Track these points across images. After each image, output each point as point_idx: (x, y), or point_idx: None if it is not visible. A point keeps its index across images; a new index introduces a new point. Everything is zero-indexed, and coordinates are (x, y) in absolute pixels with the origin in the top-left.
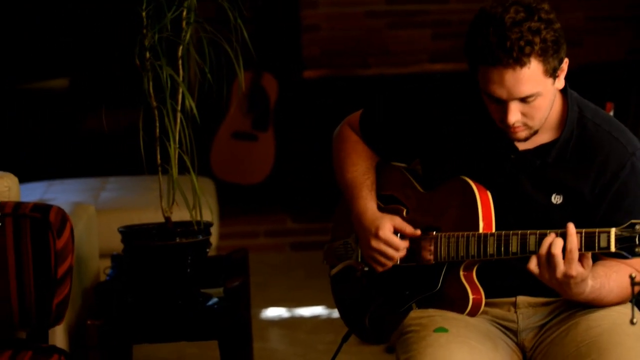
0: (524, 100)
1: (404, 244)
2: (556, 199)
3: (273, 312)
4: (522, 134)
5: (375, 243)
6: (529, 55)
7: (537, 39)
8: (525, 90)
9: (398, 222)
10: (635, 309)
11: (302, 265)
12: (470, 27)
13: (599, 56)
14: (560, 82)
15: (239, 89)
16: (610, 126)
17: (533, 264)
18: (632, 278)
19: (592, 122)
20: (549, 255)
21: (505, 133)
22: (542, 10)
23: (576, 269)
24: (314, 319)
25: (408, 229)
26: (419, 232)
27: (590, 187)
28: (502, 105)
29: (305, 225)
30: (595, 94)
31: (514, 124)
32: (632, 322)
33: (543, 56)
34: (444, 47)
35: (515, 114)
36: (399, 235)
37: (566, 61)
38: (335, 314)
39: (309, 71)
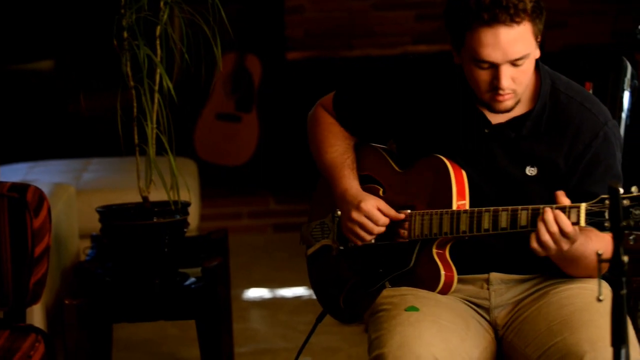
0: (514, 63)
1: (384, 220)
2: (531, 171)
3: (255, 293)
4: (509, 102)
5: (356, 214)
6: (524, 12)
7: None
8: (519, 50)
9: (382, 204)
10: (604, 285)
11: (284, 246)
12: None
13: (583, 38)
14: (538, 51)
15: (218, 70)
16: (582, 98)
17: (535, 244)
18: (598, 255)
19: (564, 94)
20: (562, 232)
21: (477, 108)
22: None
23: (567, 244)
24: (296, 299)
25: (392, 212)
26: (402, 215)
27: (564, 158)
28: (494, 71)
29: (288, 206)
30: (576, 74)
31: (505, 90)
32: (598, 299)
33: (533, 16)
34: (427, 28)
35: (507, 77)
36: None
37: (541, 30)
38: None
39: (292, 52)
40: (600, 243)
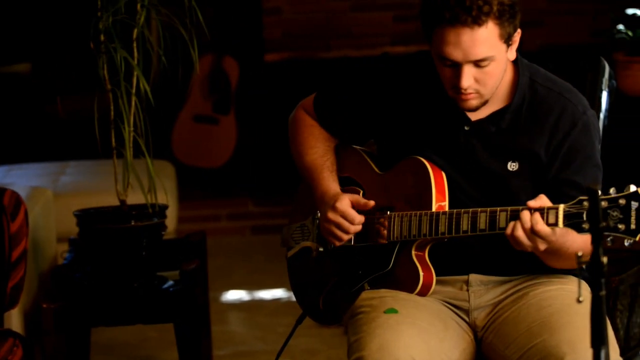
0: (477, 64)
1: (359, 218)
2: (512, 166)
3: (233, 295)
4: (473, 102)
5: (332, 215)
6: (487, 15)
7: (495, 1)
8: (480, 52)
9: (355, 197)
10: (583, 286)
11: (263, 248)
12: None
13: (561, 37)
14: (512, 53)
15: (195, 72)
16: (561, 88)
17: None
18: (578, 257)
19: (543, 85)
20: (534, 230)
21: (457, 105)
22: None
23: (543, 244)
24: (274, 301)
25: (362, 200)
26: (372, 202)
27: (545, 149)
28: (456, 69)
29: (267, 208)
30: (554, 74)
31: (466, 90)
32: (578, 301)
33: (500, 19)
34: (406, 29)
35: (468, 77)
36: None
37: (519, 32)
38: None
39: (270, 54)
40: (581, 236)
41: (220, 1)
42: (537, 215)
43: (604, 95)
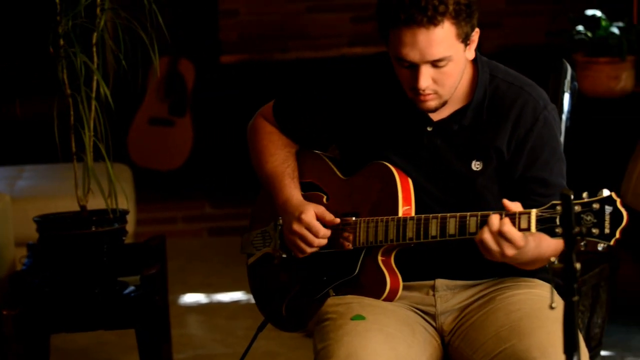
0: (435, 65)
1: (324, 231)
2: (476, 165)
3: (191, 298)
4: (432, 102)
5: (297, 226)
6: (443, 15)
7: (450, 1)
8: (437, 52)
9: (321, 209)
10: (555, 293)
11: (220, 250)
12: None
13: (519, 38)
14: (471, 53)
15: (155, 75)
16: (521, 82)
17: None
18: (551, 262)
19: (503, 80)
20: (502, 232)
21: (417, 106)
22: None
23: (511, 249)
24: (233, 304)
25: (328, 216)
26: (337, 220)
27: (507, 143)
28: (413, 70)
29: (223, 210)
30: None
31: (424, 90)
32: (551, 307)
33: (456, 19)
34: (363, 30)
35: (426, 78)
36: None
37: (477, 32)
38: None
39: (226, 56)
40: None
41: (175, 3)
42: (506, 219)
43: (566, 97)
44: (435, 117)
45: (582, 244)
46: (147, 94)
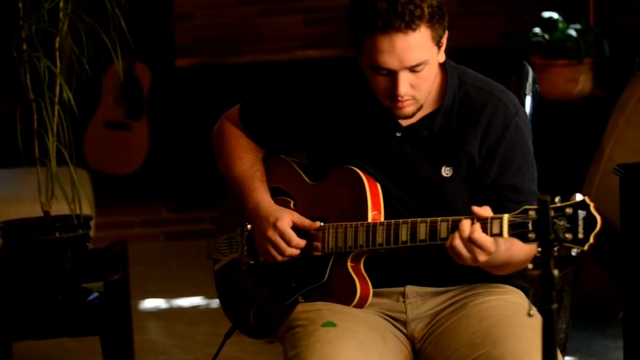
0: (413, 69)
1: (297, 241)
2: (446, 171)
3: (151, 304)
4: (410, 108)
5: (271, 233)
6: (420, 19)
7: (425, 4)
8: (416, 57)
9: (296, 216)
10: (521, 296)
11: (177, 255)
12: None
13: (472, 40)
14: (442, 56)
15: (116, 79)
16: (491, 87)
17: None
18: (528, 269)
19: (472, 85)
20: (471, 239)
21: (388, 112)
22: None
23: (483, 255)
24: (193, 309)
25: (306, 222)
26: (317, 224)
27: (478, 149)
28: (392, 78)
29: (180, 214)
30: None
31: (403, 97)
32: (529, 314)
33: (431, 22)
34: (316, 33)
35: (405, 84)
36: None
37: (446, 34)
38: (214, 304)
39: (181, 59)
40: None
41: (130, 6)
42: (477, 224)
43: (528, 100)
44: (405, 122)
45: (555, 249)
46: (103, 98)
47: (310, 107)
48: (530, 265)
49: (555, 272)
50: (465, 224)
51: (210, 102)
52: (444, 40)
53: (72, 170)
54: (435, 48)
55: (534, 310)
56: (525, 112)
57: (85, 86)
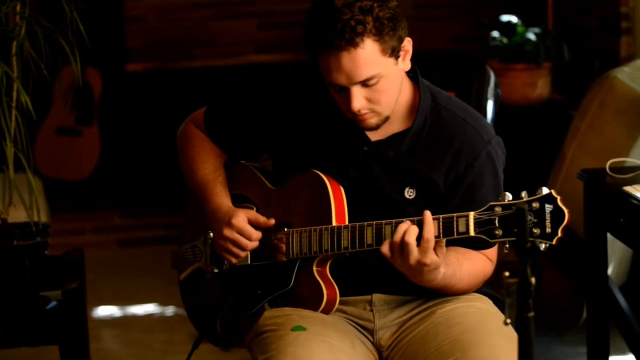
0: (365, 84)
1: (256, 234)
2: (409, 193)
3: (105, 312)
4: (372, 120)
5: (227, 231)
6: (361, 35)
7: (369, 18)
8: (363, 72)
9: (252, 213)
10: (489, 302)
11: (130, 262)
12: (306, 16)
13: (426, 44)
14: (406, 64)
15: (75, 83)
16: (465, 113)
17: (386, 248)
18: (504, 277)
19: (446, 109)
20: (403, 243)
21: (357, 124)
22: None
23: (430, 258)
24: (147, 317)
25: (262, 219)
26: (272, 221)
27: (444, 176)
28: (346, 93)
29: (133, 220)
30: (437, 82)
31: (359, 111)
32: (505, 323)
33: (378, 35)
34: (269, 37)
35: (358, 100)
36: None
37: (409, 40)
38: (169, 311)
39: (132, 64)
40: (474, 265)
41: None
42: (413, 227)
43: (490, 105)
44: (373, 137)
45: (505, 246)
46: (54, 103)
47: (279, 111)
48: (506, 273)
49: (533, 279)
50: (402, 227)
51: (162, 107)
52: (407, 47)
53: (30, 177)
54: (389, 60)
55: (503, 317)
56: (500, 142)
57: (37, 91)
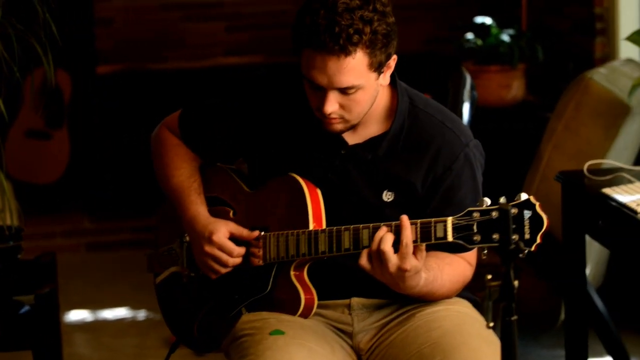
0: (343, 91)
1: (238, 250)
2: (387, 196)
3: (76, 316)
4: (338, 126)
5: (208, 248)
6: (356, 45)
7: (367, 29)
8: (346, 80)
9: (233, 226)
10: (467, 305)
11: (100, 266)
12: (304, 5)
13: (400, 46)
14: (386, 79)
15: (50, 86)
16: (443, 116)
17: (364, 259)
18: (486, 279)
19: (424, 112)
20: (379, 251)
21: (324, 125)
22: (378, 1)
23: (410, 263)
24: (119, 321)
25: (244, 232)
26: (255, 233)
27: (422, 179)
28: (321, 93)
29: (103, 224)
30: (413, 84)
31: (330, 114)
32: (488, 327)
33: (370, 48)
34: (238, 39)
35: (332, 104)
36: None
37: (394, 58)
38: (141, 316)
39: (102, 66)
40: (454, 270)
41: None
42: (388, 235)
43: (466, 107)
44: (351, 140)
45: (484, 252)
46: (23, 106)
47: (255, 114)
48: (489, 276)
49: (516, 282)
50: (379, 233)
51: (133, 109)
52: (391, 64)
53: (2, 180)
54: (372, 74)
55: (483, 320)
56: (478, 145)
57: (7, 94)
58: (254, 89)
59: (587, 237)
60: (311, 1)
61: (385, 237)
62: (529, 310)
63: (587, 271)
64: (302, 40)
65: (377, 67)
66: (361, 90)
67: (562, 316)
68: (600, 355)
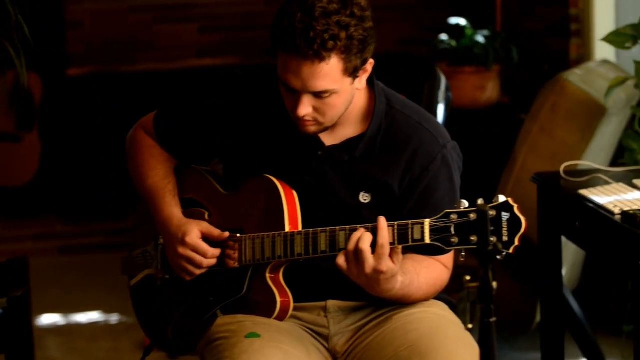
0: (317, 95)
1: (212, 251)
2: (364, 197)
3: (48, 320)
4: (311, 128)
5: (182, 250)
6: (330, 51)
7: (343, 35)
8: (320, 85)
9: (205, 226)
10: (444, 307)
11: (72, 269)
12: (283, 5)
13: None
14: (362, 83)
15: (20, 88)
16: (420, 117)
17: (341, 259)
18: (465, 281)
19: (401, 112)
20: (357, 250)
21: (298, 126)
22: (357, 6)
23: (386, 265)
24: (91, 325)
25: (215, 232)
26: (226, 234)
27: (399, 180)
28: (295, 96)
29: (74, 227)
30: (388, 84)
31: (303, 117)
32: (467, 328)
33: (345, 54)
34: (211, 41)
35: (306, 107)
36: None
37: (371, 62)
38: (114, 319)
39: (73, 68)
40: (431, 274)
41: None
42: (367, 234)
43: (441, 108)
44: (328, 141)
45: (461, 254)
46: None
47: (231, 113)
48: (467, 277)
49: (495, 284)
50: (356, 234)
51: (104, 112)
52: (367, 68)
53: None
54: (347, 79)
55: (460, 323)
56: (456, 146)
57: None
58: (230, 89)
59: (563, 240)
60: (291, 2)
61: (363, 237)
62: (503, 313)
63: (563, 273)
64: (278, 43)
65: (352, 72)
66: (335, 95)
67: (538, 318)
68: (576, 357)
